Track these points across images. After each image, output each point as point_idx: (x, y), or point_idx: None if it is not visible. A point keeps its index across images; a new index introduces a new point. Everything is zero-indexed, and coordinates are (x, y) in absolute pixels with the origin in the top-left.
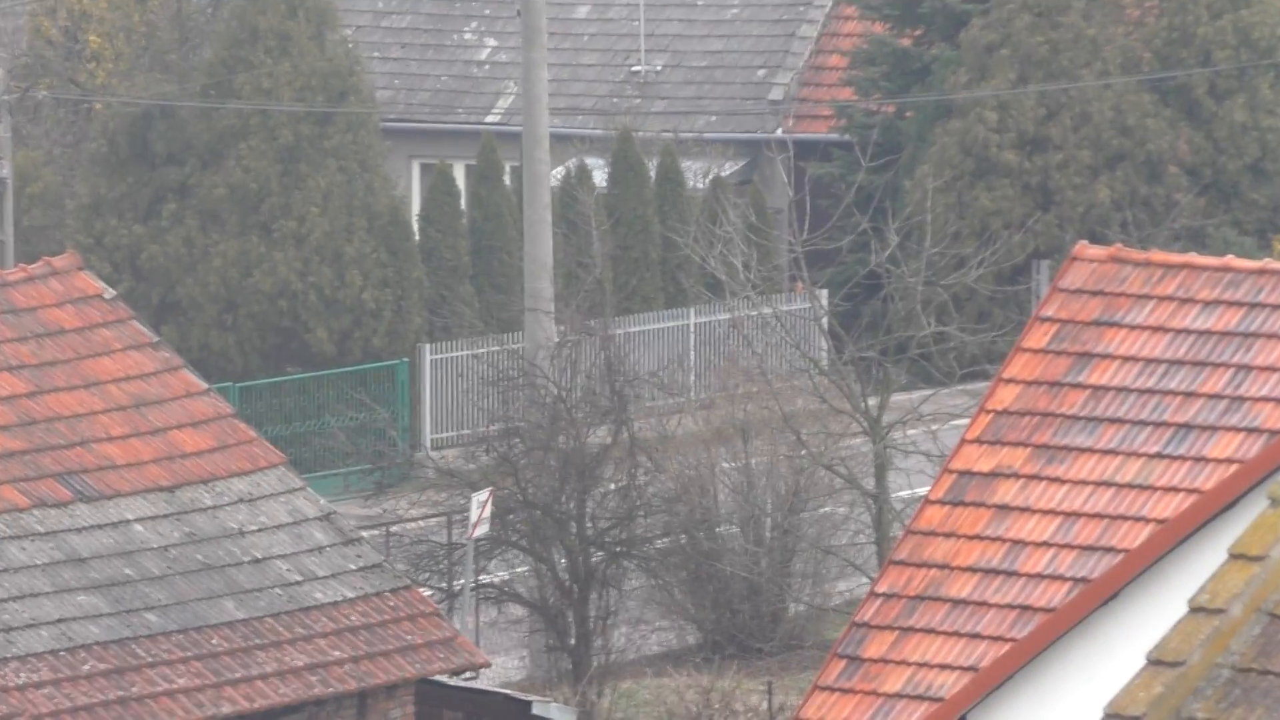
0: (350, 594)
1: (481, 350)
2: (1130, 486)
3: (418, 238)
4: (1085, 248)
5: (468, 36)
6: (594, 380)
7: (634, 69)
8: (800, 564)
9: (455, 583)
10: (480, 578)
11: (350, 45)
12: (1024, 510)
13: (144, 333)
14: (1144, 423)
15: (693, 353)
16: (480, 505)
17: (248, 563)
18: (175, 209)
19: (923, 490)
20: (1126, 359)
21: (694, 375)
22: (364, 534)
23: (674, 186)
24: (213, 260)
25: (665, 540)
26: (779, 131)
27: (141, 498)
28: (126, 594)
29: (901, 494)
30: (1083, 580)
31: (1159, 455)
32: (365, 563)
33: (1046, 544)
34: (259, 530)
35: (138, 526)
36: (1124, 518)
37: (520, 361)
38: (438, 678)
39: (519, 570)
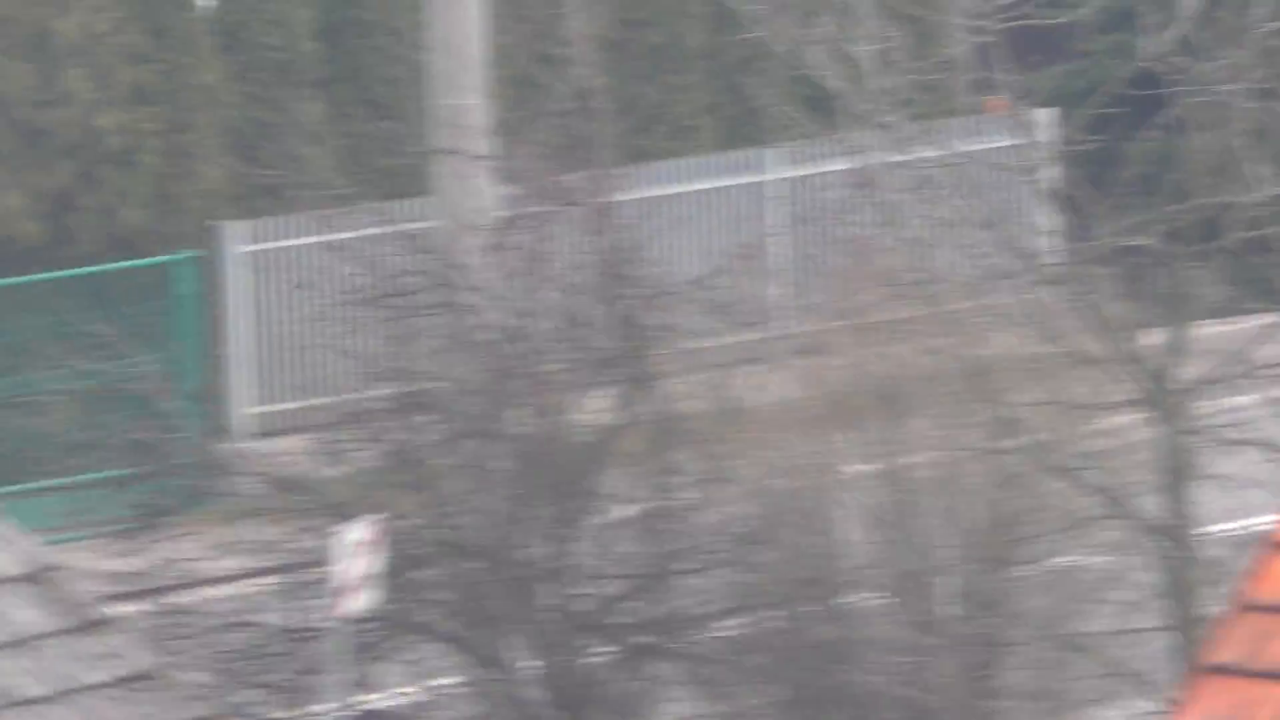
0: None
1: (329, 235)
2: None
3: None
4: None
5: None
6: (579, 297)
7: None
8: (1018, 670)
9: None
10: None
11: None
12: None
13: None
14: None
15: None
16: (353, 551)
17: None
18: None
19: (1265, 522)
20: None
21: (779, 283)
22: (120, 611)
23: None
24: None
25: (739, 624)
26: None
27: None
28: None
29: (1225, 527)
30: None
31: None
32: (125, 670)
33: None
34: None
35: None
36: None
37: (424, 256)
38: None
39: (444, 681)
